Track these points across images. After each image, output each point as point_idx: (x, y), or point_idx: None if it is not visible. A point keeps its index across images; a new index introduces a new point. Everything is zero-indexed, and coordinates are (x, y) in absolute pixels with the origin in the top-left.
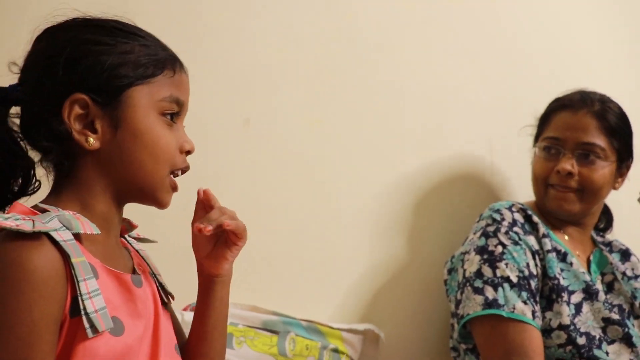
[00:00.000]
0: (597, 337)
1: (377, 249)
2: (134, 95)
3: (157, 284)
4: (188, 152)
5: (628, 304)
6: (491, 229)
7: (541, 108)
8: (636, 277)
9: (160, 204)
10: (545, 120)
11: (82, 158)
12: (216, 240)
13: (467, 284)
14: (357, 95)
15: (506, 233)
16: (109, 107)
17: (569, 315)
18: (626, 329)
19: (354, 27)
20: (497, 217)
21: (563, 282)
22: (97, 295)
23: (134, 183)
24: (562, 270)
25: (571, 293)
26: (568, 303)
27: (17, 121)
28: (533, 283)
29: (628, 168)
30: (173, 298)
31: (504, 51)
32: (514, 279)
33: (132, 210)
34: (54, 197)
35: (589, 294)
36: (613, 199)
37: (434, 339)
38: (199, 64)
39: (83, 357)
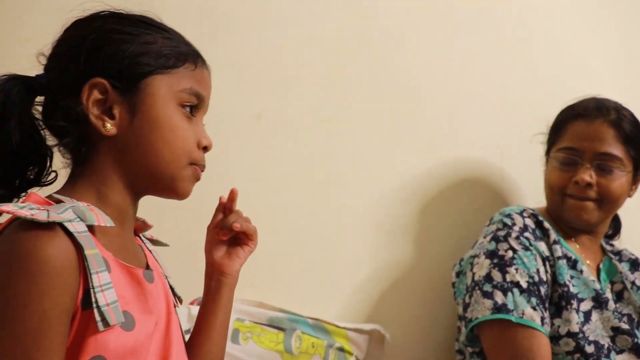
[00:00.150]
0: (606, 346)
1: (384, 249)
2: (154, 83)
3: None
4: (205, 149)
5: (637, 313)
6: (502, 233)
7: (553, 115)
8: None
9: (180, 194)
10: (559, 128)
11: (99, 144)
12: (229, 244)
13: (476, 288)
14: (369, 95)
15: (517, 238)
16: (128, 93)
17: (578, 323)
18: (635, 339)
19: (369, 28)
20: (508, 221)
21: (573, 290)
22: (109, 288)
23: (149, 172)
24: (572, 277)
25: (581, 301)
26: (577, 311)
27: (40, 109)
28: (543, 289)
29: None
30: (181, 302)
31: (518, 57)
32: (524, 285)
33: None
34: (69, 187)
35: (599, 302)
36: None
37: (439, 341)
38: (212, 58)
39: (94, 350)
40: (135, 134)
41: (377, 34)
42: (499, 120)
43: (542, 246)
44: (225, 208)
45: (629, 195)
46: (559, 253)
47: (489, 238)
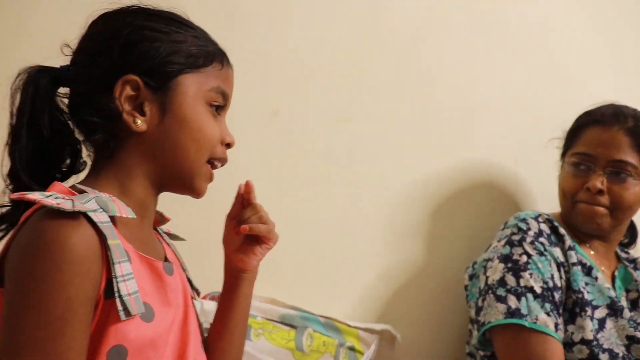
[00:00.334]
0: (621, 354)
1: (397, 249)
2: (184, 82)
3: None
4: (228, 145)
5: None
6: (516, 237)
7: (570, 121)
8: None
9: (197, 192)
10: (575, 134)
11: (127, 140)
12: (247, 238)
13: (489, 292)
14: (386, 96)
15: (532, 243)
16: (159, 91)
17: (592, 331)
18: None
19: (388, 29)
20: (523, 226)
21: (587, 296)
22: (131, 279)
23: (174, 169)
24: (586, 284)
25: (595, 308)
26: (591, 318)
27: (65, 101)
28: (557, 295)
29: None
30: (199, 294)
31: (535, 63)
32: (538, 290)
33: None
34: (92, 179)
35: (614, 310)
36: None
37: (450, 343)
38: (231, 54)
39: (114, 339)
40: (164, 132)
41: (395, 34)
42: (515, 125)
43: (557, 252)
44: (244, 200)
45: None
46: (573, 259)
47: (503, 242)
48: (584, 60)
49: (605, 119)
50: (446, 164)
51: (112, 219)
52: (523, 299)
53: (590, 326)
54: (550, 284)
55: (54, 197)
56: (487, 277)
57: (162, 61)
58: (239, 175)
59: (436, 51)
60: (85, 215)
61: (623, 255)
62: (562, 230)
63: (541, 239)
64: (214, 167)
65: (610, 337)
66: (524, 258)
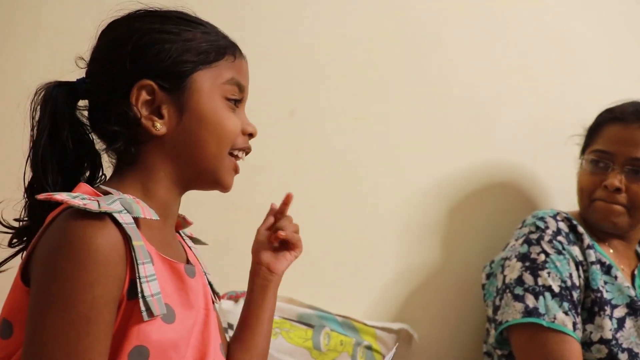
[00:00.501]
0: None
1: (414, 248)
2: (198, 79)
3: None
4: (250, 135)
5: None
6: (534, 236)
7: (589, 119)
8: None
9: (223, 186)
10: (594, 131)
11: (147, 144)
12: (277, 246)
13: (507, 291)
14: (402, 95)
15: (550, 242)
16: (175, 92)
17: (611, 330)
18: None
19: (403, 28)
20: (541, 224)
21: (606, 295)
22: (154, 280)
23: (198, 166)
24: (605, 283)
25: (614, 307)
26: (610, 317)
27: (85, 113)
28: (575, 294)
29: None
30: (219, 298)
31: (553, 60)
32: (556, 289)
33: None
34: (117, 180)
35: (633, 309)
36: None
37: (467, 343)
38: (249, 52)
39: (136, 340)
40: (184, 131)
41: (411, 33)
42: (533, 123)
43: (576, 250)
44: (277, 212)
45: None
46: (592, 258)
47: (521, 241)
48: (605, 56)
49: (626, 116)
50: (464, 162)
51: (136, 220)
52: (541, 297)
53: (609, 325)
54: (569, 283)
55: (80, 197)
56: (504, 276)
57: (174, 62)
58: (256, 176)
59: (453, 49)
60: (110, 216)
61: None
62: (580, 229)
63: (559, 238)
64: (237, 158)
65: (630, 337)
66: (542, 257)
